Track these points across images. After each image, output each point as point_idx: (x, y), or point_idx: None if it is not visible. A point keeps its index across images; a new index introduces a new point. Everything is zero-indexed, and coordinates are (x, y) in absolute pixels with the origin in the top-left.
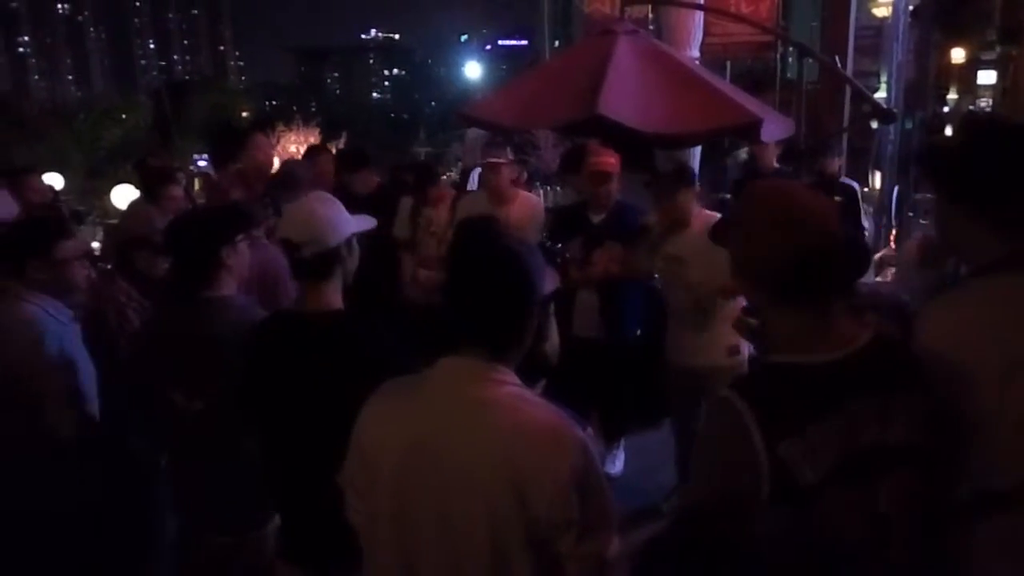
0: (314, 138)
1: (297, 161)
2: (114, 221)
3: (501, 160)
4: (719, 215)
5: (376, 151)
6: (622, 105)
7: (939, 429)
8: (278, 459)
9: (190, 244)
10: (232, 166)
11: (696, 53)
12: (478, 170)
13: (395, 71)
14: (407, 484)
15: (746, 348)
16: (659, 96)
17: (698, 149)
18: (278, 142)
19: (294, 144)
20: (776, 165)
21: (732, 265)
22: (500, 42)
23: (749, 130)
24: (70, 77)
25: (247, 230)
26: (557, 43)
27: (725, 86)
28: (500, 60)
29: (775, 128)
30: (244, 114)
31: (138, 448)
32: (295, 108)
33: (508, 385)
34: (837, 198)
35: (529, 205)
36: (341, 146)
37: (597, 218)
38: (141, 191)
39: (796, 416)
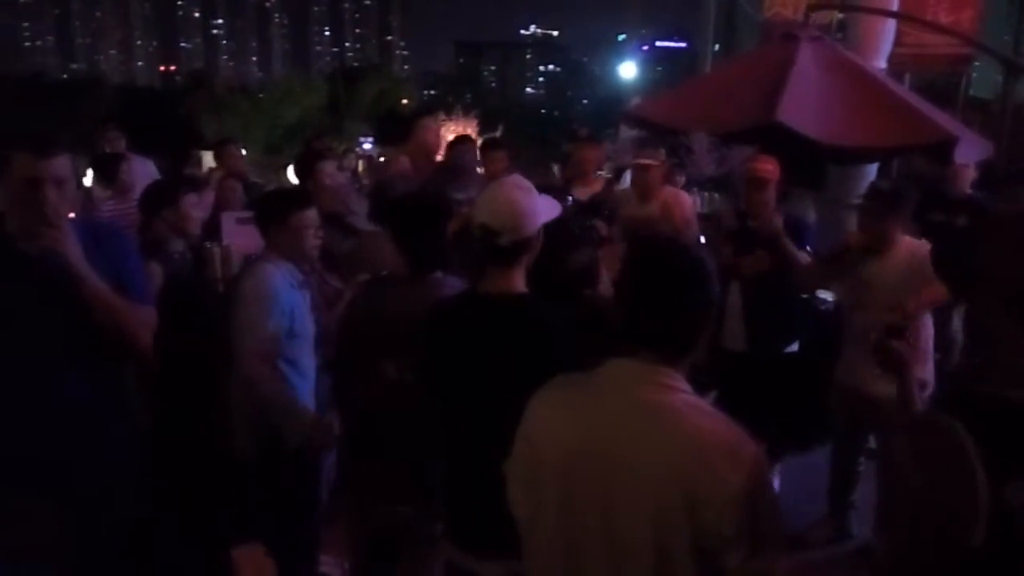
0: (471, 129)
1: (464, 149)
2: None
3: (652, 162)
4: (928, 244)
5: (525, 146)
6: (802, 113)
7: None
8: (449, 438)
9: (426, 227)
10: (398, 151)
11: (883, 63)
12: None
13: (550, 67)
14: (574, 481)
15: (932, 385)
16: (843, 107)
17: (874, 166)
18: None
19: (453, 133)
20: (969, 191)
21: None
22: (658, 43)
23: (941, 149)
24: (254, 59)
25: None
26: (718, 47)
27: (918, 101)
28: (657, 62)
29: (971, 149)
30: (404, 101)
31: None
32: (451, 98)
33: (681, 392)
34: None
35: (676, 200)
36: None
37: (753, 224)
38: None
39: None
